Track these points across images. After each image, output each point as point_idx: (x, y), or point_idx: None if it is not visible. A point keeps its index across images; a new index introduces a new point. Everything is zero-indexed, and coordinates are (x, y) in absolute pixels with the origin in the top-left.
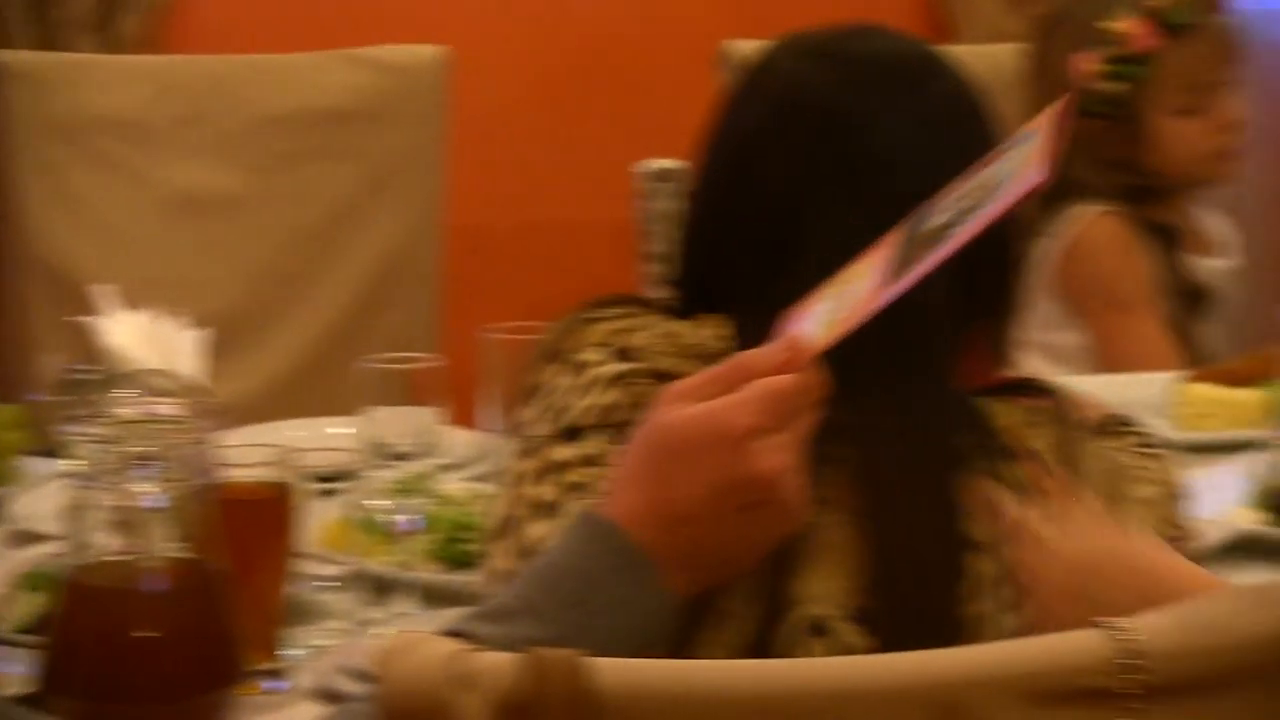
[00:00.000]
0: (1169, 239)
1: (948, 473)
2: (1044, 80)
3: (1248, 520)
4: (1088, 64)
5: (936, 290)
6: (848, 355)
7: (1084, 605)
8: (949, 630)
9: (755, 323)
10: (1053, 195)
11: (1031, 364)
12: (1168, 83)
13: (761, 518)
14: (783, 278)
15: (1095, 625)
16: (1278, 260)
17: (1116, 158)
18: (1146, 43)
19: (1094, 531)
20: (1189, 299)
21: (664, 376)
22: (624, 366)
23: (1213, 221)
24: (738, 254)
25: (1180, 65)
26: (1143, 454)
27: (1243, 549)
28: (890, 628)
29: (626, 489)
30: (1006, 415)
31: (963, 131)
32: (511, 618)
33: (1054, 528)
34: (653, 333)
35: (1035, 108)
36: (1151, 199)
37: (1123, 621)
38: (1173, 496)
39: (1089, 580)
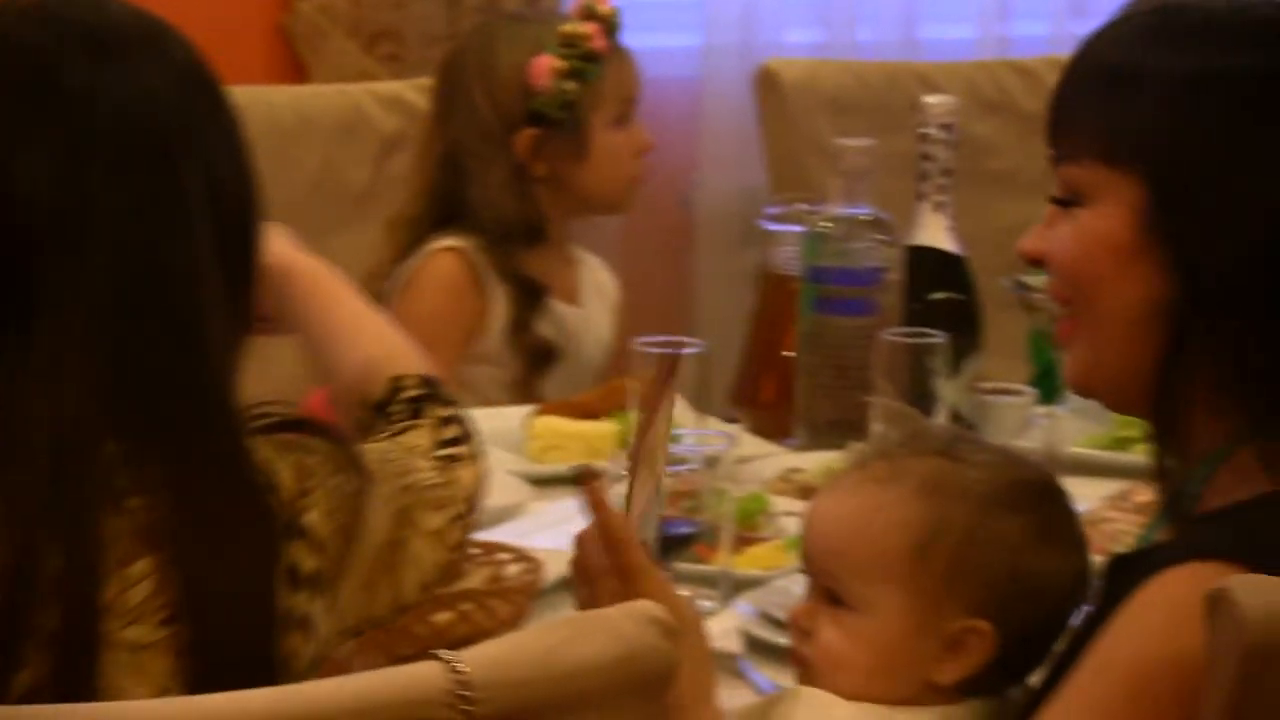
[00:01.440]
0: (529, 293)
1: (245, 533)
2: (454, 119)
3: None
4: (548, 63)
5: (211, 327)
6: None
7: None
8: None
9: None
10: (430, 221)
11: None
12: (608, 89)
13: None
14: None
15: (434, 658)
16: (638, 297)
17: (547, 173)
18: (600, 43)
19: None
20: (537, 357)
21: None
22: None
23: (592, 265)
24: None
25: (616, 74)
26: (444, 458)
27: None
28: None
29: None
30: (283, 469)
31: (204, 98)
32: None
33: None
34: None
35: (439, 146)
36: (523, 243)
37: (455, 654)
38: (461, 516)
39: None
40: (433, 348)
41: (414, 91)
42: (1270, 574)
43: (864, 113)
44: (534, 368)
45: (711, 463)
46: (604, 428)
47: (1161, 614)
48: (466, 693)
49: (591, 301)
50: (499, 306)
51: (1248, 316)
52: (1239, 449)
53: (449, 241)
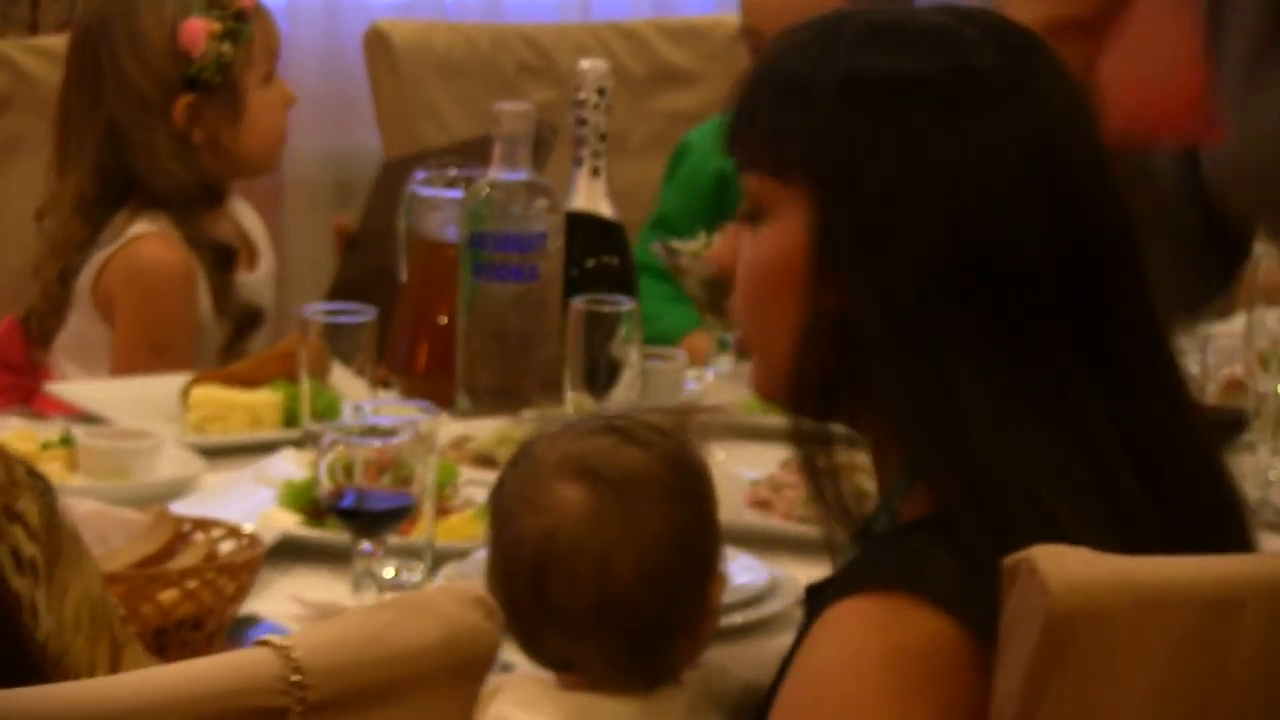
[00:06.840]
0: (223, 260)
1: None
2: (106, 91)
3: (286, 521)
4: (203, 27)
5: None
6: None
7: None
8: None
9: None
10: (108, 198)
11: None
12: (257, 46)
13: None
14: None
15: (265, 644)
16: (309, 259)
17: (205, 138)
18: (248, 1)
19: None
20: (243, 322)
21: None
22: None
23: (252, 223)
24: None
25: (263, 29)
26: None
27: (287, 551)
28: None
29: None
30: None
31: None
32: None
33: None
34: None
35: (97, 120)
36: (206, 206)
37: (287, 639)
38: None
39: None
40: (172, 349)
41: (19, 51)
42: (934, 599)
43: (473, 75)
44: (241, 333)
45: (424, 434)
46: (266, 396)
47: (834, 651)
48: (298, 678)
49: (263, 262)
50: (201, 281)
51: (902, 344)
52: (917, 481)
53: (141, 227)
